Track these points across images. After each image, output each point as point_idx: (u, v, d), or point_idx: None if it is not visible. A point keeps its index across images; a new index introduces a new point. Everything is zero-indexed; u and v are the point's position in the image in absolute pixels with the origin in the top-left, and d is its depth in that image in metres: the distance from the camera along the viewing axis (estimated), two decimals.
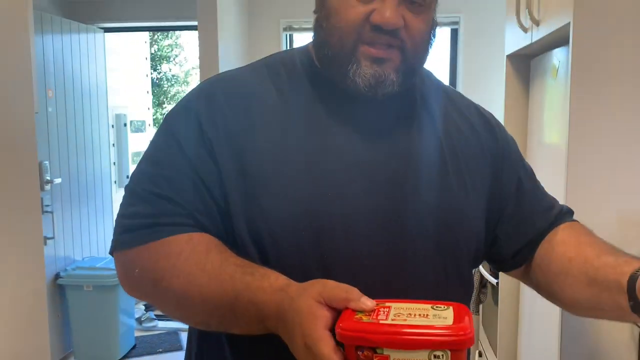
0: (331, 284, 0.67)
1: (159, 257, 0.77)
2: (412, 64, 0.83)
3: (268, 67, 0.89)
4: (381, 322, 0.62)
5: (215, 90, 0.85)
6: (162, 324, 4.05)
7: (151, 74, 6.13)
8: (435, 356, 0.60)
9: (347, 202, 0.80)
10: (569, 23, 1.38)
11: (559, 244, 0.90)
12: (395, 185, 0.83)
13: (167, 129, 0.85)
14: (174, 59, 8.34)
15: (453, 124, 0.92)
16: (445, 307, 0.66)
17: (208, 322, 0.77)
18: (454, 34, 3.97)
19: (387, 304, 0.66)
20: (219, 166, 0.79)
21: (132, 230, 0.80)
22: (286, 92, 0.85)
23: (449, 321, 0.62)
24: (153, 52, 4.89)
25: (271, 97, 0.84)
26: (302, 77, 0.87)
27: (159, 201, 0.79)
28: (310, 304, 0.65)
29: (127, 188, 0.84)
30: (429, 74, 0.97)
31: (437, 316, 0.63)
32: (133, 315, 3.70)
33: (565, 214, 0.97)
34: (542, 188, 1.01)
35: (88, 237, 3.86)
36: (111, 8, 4.09)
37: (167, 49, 8.16)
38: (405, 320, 0.62)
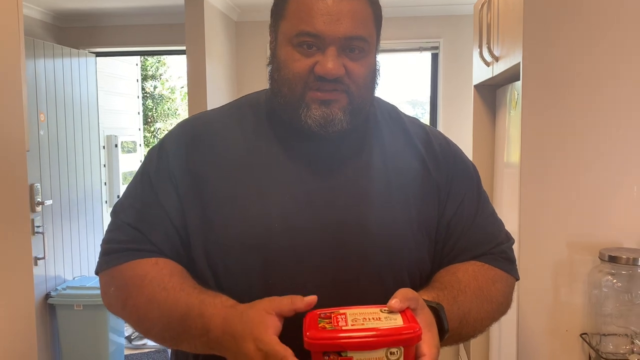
0: (277, 297, 0.77)
1: (127, 278, 0.89)
2: (358, 104, 0.90)
3: (238, 108, 1.01)
4: (343, 328, 0.71)
5: (185, 132, 0.98)
6: (151, 342, 4.11)
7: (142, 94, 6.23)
8: (391, 353, 0.70)
9: (294, 234, 0.88)
10: (519, 62, 1.51)
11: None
12: (342, 217, 0.89)
13: (144, 165, 0.98)
14: (159, 78, 8.43)
15: (403, 157, 0.97)
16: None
17: (164, 336, 0.87)
18: (435, 58, 4.11)
19: (342, 312, 0.75)
20: (181, 199, 0.91)
21: (109, 254, 0.93)
22: (249, 131, 0.96)
23: (400, 322, 0.72)
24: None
25: (235, 136, 0.95)
26: (263, 117, 0.97)
27: (130, 230, 0.92)
28: (261, 314, 0.75)
29: (111, 214, 0.98)
30: (392, 109, 1.04)
31: (388, 318, 0.73)
32: (123, 333, 3.77)
33: (486, 255, 0.98)
34: (487, 217, 1.02)
35: (79, 256, 3.93)
36: (102, 34, 4.21)
37: (152, 67, 8.26)
38: (363, 324, 0.72)
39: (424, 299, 0.81)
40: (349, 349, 0.69)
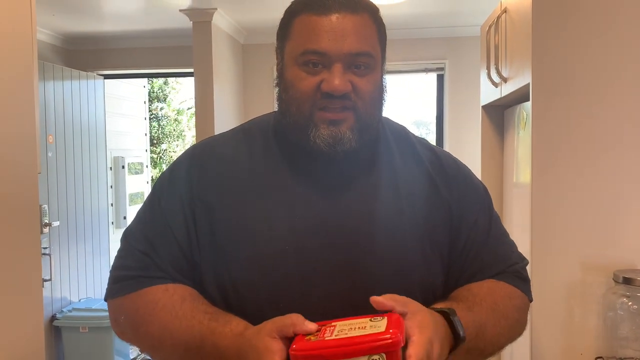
0: (278, 318, 0.77)
1: (139, 306, 0.88)
2: (366, 121, 0.89)
3: (246, 131, 1.01)
4: (327, 339, 0.72)
5: (193, 158, 0.98)
6: None
7: (149, 116, 6.28)
8: None
9: (303, 257, 0.87)
10: (528, 83, 1.51)
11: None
12: (352, 239, 0.89)
13: (154, 191, 0.98)
14: (165, 99, 8.50)
15: (413, 178, 0.97)
16: (381, 317, 0.76)
17: None
18: (440, 79, 4.14)
19: (333, 324, 0.76)
20: (189, 224, 0.91)
21: (120, 281, 0.92)
22: (257, 153, 0.95)
23: (382, 329, 0.72)
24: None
25: (243, 159, 0.95)
26: (271, 139, 0.96)
27: (141, 256, 0.91)
28: (265, 342, 0.75)
29: (121, 240, 0.97)
30: (401, 130, 1.03)
31: (373, 326, 0.73)
32: (128, 356, 3.74)
33: (501, 274, 0.98)
34: (500, 237, 1.02)
35: (85, 278, 3.92)
36: (110, 56, 4.26)
37: (159, 89, 8.32)
38: (347, 334, 0.73)
39: (434, 307, 0.80)
40: (330, 359, 0.70)
